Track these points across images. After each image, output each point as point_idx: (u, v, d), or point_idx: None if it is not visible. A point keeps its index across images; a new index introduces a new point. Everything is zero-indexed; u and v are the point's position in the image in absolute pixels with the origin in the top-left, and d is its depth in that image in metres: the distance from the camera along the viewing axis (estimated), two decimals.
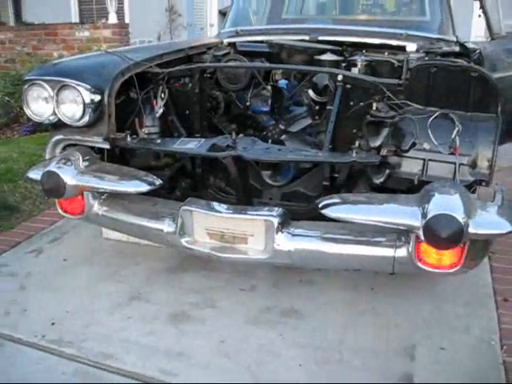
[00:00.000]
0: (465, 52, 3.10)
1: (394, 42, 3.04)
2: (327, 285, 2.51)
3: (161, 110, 2.46)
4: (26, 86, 2.35)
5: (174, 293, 2.48)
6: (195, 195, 2.60)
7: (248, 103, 2.72)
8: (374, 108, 2.21)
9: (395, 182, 2.19)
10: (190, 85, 2.55)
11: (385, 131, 2.18)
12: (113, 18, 6.29)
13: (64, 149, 2.48)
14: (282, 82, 2.74)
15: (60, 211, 2.49)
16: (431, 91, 2.19)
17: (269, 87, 2.73)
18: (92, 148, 2.43)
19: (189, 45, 3.10)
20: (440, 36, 3.29)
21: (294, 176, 2.58)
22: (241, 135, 2.35)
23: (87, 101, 2.25)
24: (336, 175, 2.37)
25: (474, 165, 2.08)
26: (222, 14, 9.76)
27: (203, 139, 2.28)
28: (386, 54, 2.97)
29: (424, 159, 2.12)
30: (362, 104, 2.26)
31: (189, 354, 2.05)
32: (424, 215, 1.81)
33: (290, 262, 2.13)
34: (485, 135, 2.09)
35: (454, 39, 3.37)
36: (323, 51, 2.74)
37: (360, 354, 2.04)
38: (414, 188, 2.12)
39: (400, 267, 2.05)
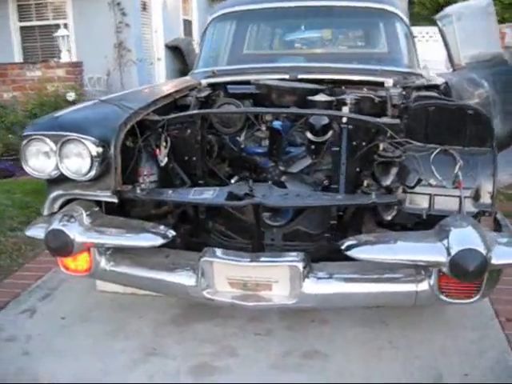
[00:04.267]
0: (434, 85, 3.27)
1: (373, 79, 3.17)
2: (340, 323, 2.54)
3: (166, 159, 2.43)
4: (24, 142, 2.26)
5: (189, 345, 2.42)
6: (197, 241, 2.59)
7: (243, 146, 2.73)
8: (381, 148, 2.29)
9: (404, 217, 2.27)
10: (189, 131, 2.54)
11: (393, 170, 2.27)
12: (65, 57, 6.14)
13: (63, 204, 2.40)
14: (276, 123, 2.77)
15: (63, 269, 2.39)
16: (430, 129, 2.30)
17: (264, 128, 2.76)
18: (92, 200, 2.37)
19: (174, 88, 3.09)
20: (409, 70, 3.47)
21: (293, 215, 2.61)
22: (250, 181, 2.35)
23: (94, 154, 2.19)
24: (341, 213, 2.44)
25: (476, 197, 2.19)
26: (169, 47, 9.80)
27: (217, 188, 2.27)
28: (365, 89, 3.09)
29: (430, 194, 2.22)
30: (368, 144, 2.34)
31: None
32: (448, 251, 1.89)
33: (315, 305, 2.15)
34: (484, 168, 2.21)
35: (421, 72, 3.57)
36: (313, 91, 2.82)
37: None
38: (421, 223, 2.22)
39: (421, 300, 2.12)
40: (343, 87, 3.11)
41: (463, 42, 4.05)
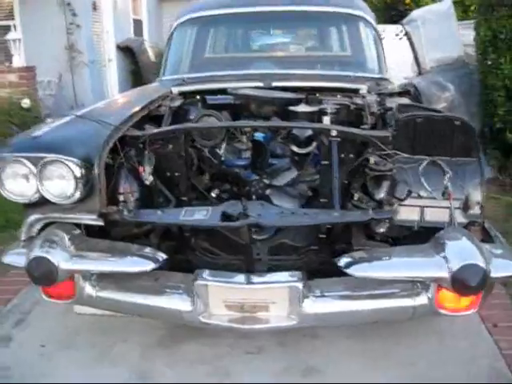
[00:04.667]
0: (407, 90, 3.31)
1: (348, 85, 3.17)
2: (331, 336, 2.52)
3: (151, 178, 2.32)
4: (0, 164, 2.11)
5: (181, 366, 2.35)
6: (182, 259, 2.50)
7: (223, 158, 2.65)
8: (373, 162, 2.28)
9: (395, 230, 2.27)
10: (172, 146, 2.45)
11: (385, 183, 2.26)
12: (17, 61, 5.84)
13: (42, 227, 2.25)
14: (259, 135, 2.72)
15: (44, 297, 2.26)
16: (417, 140, 2.31)
17: (245, 140, 2.70)
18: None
19: (147, 98, 2.97)
20: (380, 75, 3.50)
21: (277, 228, 2.55)
22: (243, 200, 2.27)
23: (78, 175, 2.07)
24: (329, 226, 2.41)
25: (466, 207, 2.22)
26: (120, 48, 9.52)
27: (209, 208, 2.18)
28: (339, 96, 3.08)
29: (420, 206, 2.23)
30: (357, 157, 2.33)
31: None
32: (448, 266, 1.90)
33: (315, 324, 2.12)
34: (472, 178, 2.23)
35: (389, 77, 3.60)
36: (292, 101, 2.78)
37: None
38: (410, 235, 2.24)
39: (419, 314, 2.13)
40: (317, 94, 3.08)
41: (428, 46, 4.15)
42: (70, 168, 2.06)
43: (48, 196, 2.11)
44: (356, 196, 2.31)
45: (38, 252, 2.04)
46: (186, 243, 2.53)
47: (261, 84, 3.09)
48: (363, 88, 3.13)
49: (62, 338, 2.60)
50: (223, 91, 2.99)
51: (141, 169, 2.33)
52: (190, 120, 2.74)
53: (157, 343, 2.53)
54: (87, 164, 2.10)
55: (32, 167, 2.08)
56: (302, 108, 2.70)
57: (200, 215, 2.13)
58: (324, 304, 2.05)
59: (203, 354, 2.43)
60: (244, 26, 4.02)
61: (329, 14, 3.71)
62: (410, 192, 2.23)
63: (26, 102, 5.12)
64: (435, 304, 2.04)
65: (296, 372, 2.29)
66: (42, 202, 2.16)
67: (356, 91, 3.11)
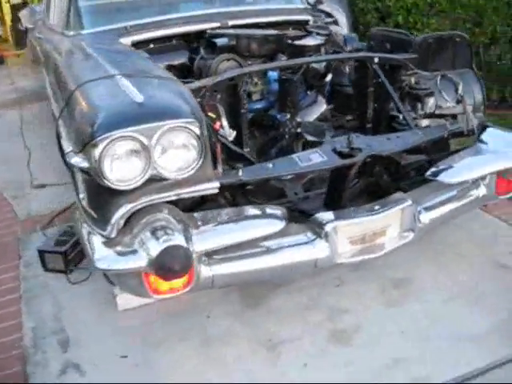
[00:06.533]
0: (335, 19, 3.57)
1: (300, 17, 3.23)
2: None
3: (233, 132, 2.08)
4: (102, 146, 1.66)
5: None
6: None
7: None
8: (413, 82, 2.50)
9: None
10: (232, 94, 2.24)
11: (427, 99, 2.50)
12: None
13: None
14: (273, 74, 2.63)
15: (153, 295, 1.91)
16: (430, 58, 2.62)
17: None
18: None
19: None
20: (305, 6, 3.58)
21: None
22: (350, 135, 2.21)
23: (200, 140, 1.78)
24: None
25: (475, 110, 2.64)
26: None
27: (317, 149, 2.10)
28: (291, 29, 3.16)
29: (446, 115, 2.57)
30: (394, 80, 2.50)
31: None
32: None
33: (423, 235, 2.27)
34: (474, 85, 2.66)
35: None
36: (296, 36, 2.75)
37: None
38: None
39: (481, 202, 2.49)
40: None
41: None
42: (193, 133, 1.74)
43: (164, 172, 1.76)
44: (401, 116, 2.50)
45: (169, 242, 1.72)
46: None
47: (218, 24, 2.93)
48: (310, 19, 3.24)
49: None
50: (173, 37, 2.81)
51: (217, 124, 2.08)
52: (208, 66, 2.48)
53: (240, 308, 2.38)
54: (201, 125, 1.80)
55: (146, 140, 1.69)
56: (314, 41, 2.68)
57: (316, 158, 2.06)
58: (429, 214, 2.24)
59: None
60: None
61: None
62: (437, 105, 2.54)
63: None
64: (495, 193, 2.43)
65: (389, 286, 2.46)
66: (143, 185, 1.78)
67: (306, 23, 3.20)
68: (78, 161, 1.78)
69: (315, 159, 2.06)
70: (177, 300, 2.33)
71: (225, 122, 2.12)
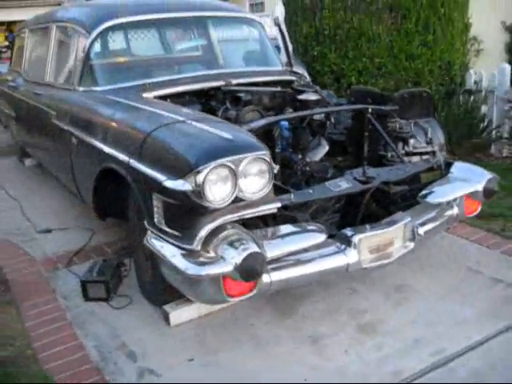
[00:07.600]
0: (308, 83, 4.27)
1: (287, 78, 3.87)
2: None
3: (277, 167, 2.59)
4: (205, 172, 2.12)
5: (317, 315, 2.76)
6: None
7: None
8: (398, 127, 3.17)
9: None
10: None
11: (408, 141, 3.18)
12: None
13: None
14: (284, 124, 3.19)
15: (228, 298, 2.32)
16: (404, 109, 3.33)
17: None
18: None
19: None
20: (285, 68, 4.23)
21: None
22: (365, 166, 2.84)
23: (272, 168, 2.29)
24: None
25: (440, 149, 3.36)
26: None
27: (341, 178, 2.67)
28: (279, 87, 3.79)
29: (420, 152, 3.27)
30: (383, 126, 3.16)
31: None
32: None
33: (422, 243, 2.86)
34: (438, 130, 3.40)
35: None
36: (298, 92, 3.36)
37: None
38: None
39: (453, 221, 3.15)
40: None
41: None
42: (266, 162, 2.24)
43: (245, 194, 2.23)
44: (389, 154, 3.16)
45: (249, 249, 2.17)
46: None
47: (223, 82, 3.49)
48: (294, 80, 3.90)
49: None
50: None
51: None
52: (235, 115, 3.01)
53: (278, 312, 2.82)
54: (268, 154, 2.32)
55: (235, 168, 2.16)
56: (313, 97, 3.30)
57: (343, 184, 2.62)
58: (423, 228, 2.84)
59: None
60: (160, 31, 4.09)
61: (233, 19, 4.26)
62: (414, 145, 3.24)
63: None
64: (464, 212, 3.10)
65: (391, 291, 3.01)
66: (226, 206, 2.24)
67: (292, 82, 3.85)
68: (178, 184, 2.20)
69: (343, 185, 2.63)
70: (216, 315, 2.76)
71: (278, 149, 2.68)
